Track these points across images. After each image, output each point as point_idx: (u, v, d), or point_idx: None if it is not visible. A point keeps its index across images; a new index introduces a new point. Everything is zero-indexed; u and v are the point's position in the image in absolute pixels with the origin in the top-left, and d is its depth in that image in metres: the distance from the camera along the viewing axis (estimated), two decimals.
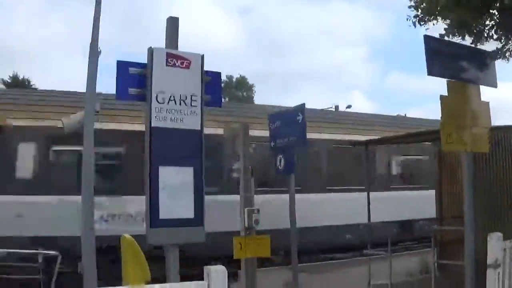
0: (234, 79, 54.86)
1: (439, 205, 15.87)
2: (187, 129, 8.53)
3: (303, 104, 15.14)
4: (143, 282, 8.83)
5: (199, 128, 8.56)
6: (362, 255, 15.93)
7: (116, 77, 8.41)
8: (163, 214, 8.18)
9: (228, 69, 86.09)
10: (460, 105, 9.96)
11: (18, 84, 44.54)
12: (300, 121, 14.92)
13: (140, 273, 8.93)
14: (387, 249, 14.61)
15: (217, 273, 5.77)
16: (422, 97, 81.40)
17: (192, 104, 8.57)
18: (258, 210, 12.82)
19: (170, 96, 8.45)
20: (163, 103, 8.38)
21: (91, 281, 9.64)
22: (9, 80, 44.10)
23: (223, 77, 51.12)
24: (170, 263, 8.37)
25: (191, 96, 8.58)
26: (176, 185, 8.31)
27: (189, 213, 8.39)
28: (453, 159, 15.05)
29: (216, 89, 8.93)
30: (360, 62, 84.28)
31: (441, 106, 9.98)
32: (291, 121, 15.34)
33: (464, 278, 9.56)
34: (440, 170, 15.81)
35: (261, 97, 64.03)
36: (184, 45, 8.57)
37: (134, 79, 8.46)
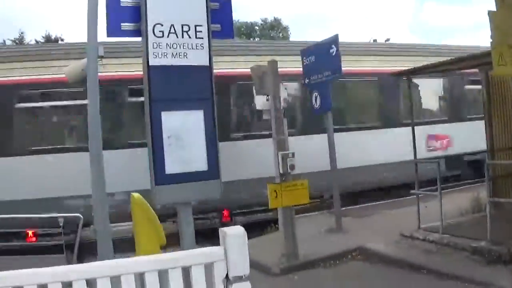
0: (268, 22, 52.67)
1: (490, 136, 14.07)
2: (193, 65, 7.07)
3: (336, 36, 13.61)
4: (157, 247, 7.49)
5: (207, 63, 7.10)
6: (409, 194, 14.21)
7: (106, 11, 7.05)
8: (170, 168, 6.85)
9: (262, 13, 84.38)
10: None
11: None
12: (334, 54, 13.39)
13: (153, 237, 7.58)
14: (434, 187, 12.86)
15: (234, 237, 4.79)
16: (463, 26, 78.17)
17: (198, 35, 7.08)
18: (293, 154, 11.34)
19: (170, 28, 6.95)
20: (162, 36, 6.92)
21: (105, 248, 8.23)
22: (42, 40, 42.90)
23: (257, 20, 49.57)
24: (183, 224, 6.90)
25: (195, 26, 7.07)
26: (183, 133, 6.94)
27: (202, 165, 7.02)
28: (504, 86, 13.28)
29: (226, 17, 7.43)
30: None
31: (490, 23, 8.22)
32: (325, 55, 13.76)
33: None
34: (489, 99, 13.97)
35: (297, 37, 61.81)
36: None
37: (127, 11, 7.01)
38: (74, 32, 66.05)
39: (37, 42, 41.00)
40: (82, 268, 4.62)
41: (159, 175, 6.77)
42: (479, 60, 11.65)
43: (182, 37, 7.00)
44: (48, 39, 43.71)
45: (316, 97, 14.20)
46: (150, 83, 6.81)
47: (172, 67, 6.94)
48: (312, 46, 14.81)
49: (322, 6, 79.40)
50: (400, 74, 13.60)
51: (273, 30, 50.16)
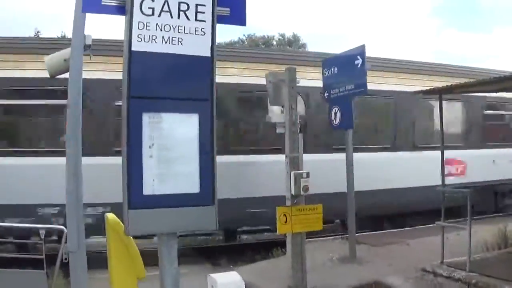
0: (286, 37, 51.04)
1: None
2: (190, 55, 5.32)
3: (363, 46, 11.75)
4: (134, 281, 5.84)
5: (208, 54, 5.37)
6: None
7: None
8: (149, 188, 5.10)
9: (281, 28, 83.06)
10: None
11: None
12: (359, 66, 11.56)
13: (130, 268, 5.92)
14: (462, 218, 11.62)
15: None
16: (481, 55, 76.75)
17: (198, 17, 5.33)
18: (308, 174, 9.55)
19: (163, 5, 5.22)
20: (152, 15, 5.18)
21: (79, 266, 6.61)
22: None
23: (275, 34, 48.06)
24: (164, 261, 5.06)
25: (196, 5, 5.33)
26: (170, 143, 5.21)
27: (192, 186, 5.24)
28: None
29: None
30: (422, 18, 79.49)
31: None
32: (349, 66, 11.91)
33: None
34: None
35: None
36: None
37: None
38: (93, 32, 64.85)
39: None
40: None
41: (135, 196, 5.01)
42: None
43: (178, 17, 5.25)
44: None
45: (336, 113, 12.34)
46: (130, 73, 5.06)
47: (162, 55, 5.19)
48: (335, 57, 12.96)
49: (342, 26, 77.86)
50: (430, 92, 11.64)
51: (290, 46, 48.43)
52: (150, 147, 5.02)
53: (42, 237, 10.18)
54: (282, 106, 10.55)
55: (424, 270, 11.19)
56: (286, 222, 9.90)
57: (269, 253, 14.08)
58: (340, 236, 15.11)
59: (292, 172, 10.01)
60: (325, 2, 75.52)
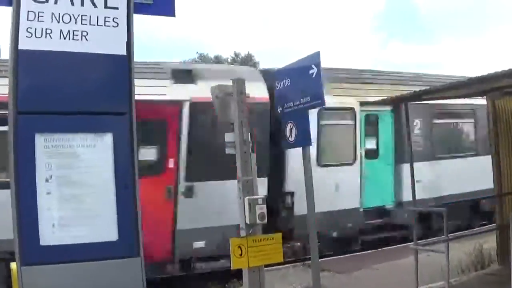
0: (240, 57, 50.17)
1: (498, 177, 11.00)
2: (98, 53, 4.01)
3: (318, 53, 10.35)
4: None
5: (124, 52, 4.05)
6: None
7: None
8: (47, 236, 3.73)
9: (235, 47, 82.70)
10: None
11: None
12: (314, 75, 10.15)
13: None
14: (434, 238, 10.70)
15: None
16: (427, 64, 76.92)
17: (109, 3, 4.01)
18: (264, 200, 8.14)
19: None
20: (46, 1, 3.85)
21: None
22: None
23: (231, 54, 47.53)
24: None
25: None
26: (75, 174, 3.85)
27: (108, 232, 3.87)
28: None
29: None
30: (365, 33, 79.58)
31: None
32: (303, 77, 10.55)
33: None
34: (496, 132, 10.92)
35: None
36: None
37: None
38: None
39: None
40: None
41: (28, 248, 3.67)
42: (486, 84, 8.64)
43: (82, 4, 3.93)
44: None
45: (291, 129, 11.01)
46: (18, 80, 3.73)
47: (60, 54, 3.86)
48: (287, 67, 11.65)
49: (288, 41, 77.36)
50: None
51: (245, 64, 47.74)
52: (47, 180, 3.64)
53: None
54: (232, 124, 9.20)
55: None
56: (241, 255, 8.53)
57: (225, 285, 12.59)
58: (302, 262, 13.68)
59: (246, 198, 8.63)
60: (267, 19, 75.35)
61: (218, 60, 47.23)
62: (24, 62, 3.67)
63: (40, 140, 3.63)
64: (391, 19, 77.35)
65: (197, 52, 47.39)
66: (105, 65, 3.88)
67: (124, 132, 3.89)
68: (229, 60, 48.01)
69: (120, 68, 3.94)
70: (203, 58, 46.09)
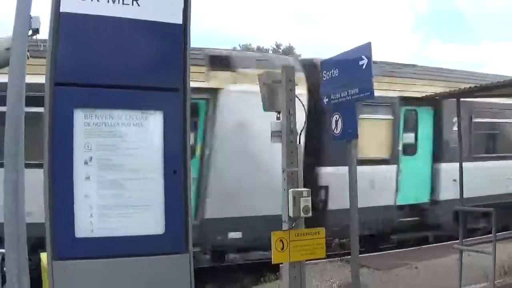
0: (281, 47, 49.82)
1: None
2: (150, 21, 3.46)
3: (369, 44, 9.76)
4: None
5: (179, 20, 3.53)
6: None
7: None
8: (84, 228, 3.22)
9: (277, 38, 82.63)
10: None
11: None
12: (364, 67, 9.56)
13: None
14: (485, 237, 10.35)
15: None
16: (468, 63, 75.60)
17: None
18: (309, 193, 7.62)
19: None
20: None
21: None
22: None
23: (271, 45, 47.66)
24: None
25: None
26: (119, 156, 3.32)
27: (153, 224, 3.35)
28: None
29: None
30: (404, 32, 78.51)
31: None
32: (352, 68, 9.95)
33: None
34: None
35: None
36: None
37: None
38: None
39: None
40: None
41: (62, 241, 3.17)
42: None
43: None
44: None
45: (337, 121, 10.45)
46: (57, 47, 3.23)
47: (106, 20, 3.35)
48: (335, 57, 11.07)
49: (329, 37, 76.74)
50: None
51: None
52: (86, 163, 3.16)
53: None
54: (278, 112, 8.70)
55: None
56: (282, 249, 8.05)
57: (260, 276, 12.12)
58: (340, 258, 13.16)
59: (290, 190, 8.12)
60: (312, 15, 74.70)
61: (260, 51, 47.24)
62: (66, 26, 3.20)
63: (80, 116, 3.17)
64: (433, 20, 76.55)
65: (239, 45, 47.33)
66: (158, 34, 3.39)
67: (177, 111, 3.42)
68: (270, 52, 47.89)
69: (175, 39, 3.44)
70: (246, 49, 46.10)
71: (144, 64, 3.39)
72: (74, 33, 3.22)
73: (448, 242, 10.96)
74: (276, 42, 50.48)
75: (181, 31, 3.47)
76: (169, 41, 3.44)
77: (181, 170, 3.37)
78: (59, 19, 3.14)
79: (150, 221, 3.24)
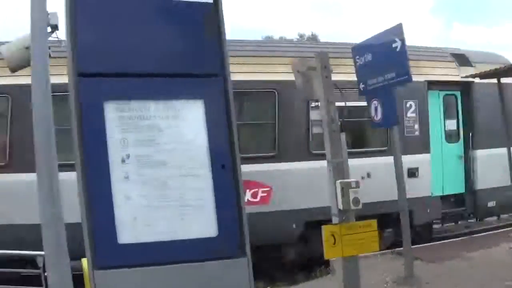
0: (305, 37, 49.56)
1: None
2: (181, 0, 3.11)
3: (400, 25, 9.33)
4: None
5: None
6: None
7: None
8: (127, 233, 2.81)
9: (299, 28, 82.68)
10: None
11: None
12: (399, 49, 9.13)
13: None
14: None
15: None
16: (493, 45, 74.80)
17: None
18: (357, 183, 7.25)
19: None
20: None
21: None
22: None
23: (295, 36, 47.59)
24: None
25: None
26: (160, 152, 2.90)
27: (205, 226, 2.92)
28: None
29: None
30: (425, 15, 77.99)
31: None
32: (385, 51, 9.50)
33: None
34: None
35: None
36: None
37: None
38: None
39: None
40: None
41: (103, 248, 2.82)
42: None
43: None
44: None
45: (376, 107, 9.99)
46: (78, 32, 2.86)
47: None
48: (367, 41, 10.59)
49: (346, 24, 76.49)
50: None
51: None
52: (123, 161, 2.78)
53: (41, 265, 8.07)
54: (316, 101, 8.29)
55: None
56: (334, 244, 7.66)
57: (311, 272, 11.75)
58: (391, 250, 12.69)
59: (338, 182, 7.70)
60: (330, 4, 74.77)
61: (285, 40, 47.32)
62: (88, 7, 2.83)
63: (111, 110, 2.79)
64: (452, 2, 75.63)
65: (262, 36, 47.19)
66: (192, 13, 2.99)
67: (218, 99, 3.03)
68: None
69: (211, 18, 3.03)
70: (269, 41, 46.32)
71: (177, 48, 3.01)
72: (97, 15, 2.83)
73: (500, 230, 10.47)
74: (299, 33, 50.32)
75: (216, 9, 3.07)
76: (204, 20, 3.01)
77: (230, 164, 2.98)
78: None
79: (201, 222, 2.84)
